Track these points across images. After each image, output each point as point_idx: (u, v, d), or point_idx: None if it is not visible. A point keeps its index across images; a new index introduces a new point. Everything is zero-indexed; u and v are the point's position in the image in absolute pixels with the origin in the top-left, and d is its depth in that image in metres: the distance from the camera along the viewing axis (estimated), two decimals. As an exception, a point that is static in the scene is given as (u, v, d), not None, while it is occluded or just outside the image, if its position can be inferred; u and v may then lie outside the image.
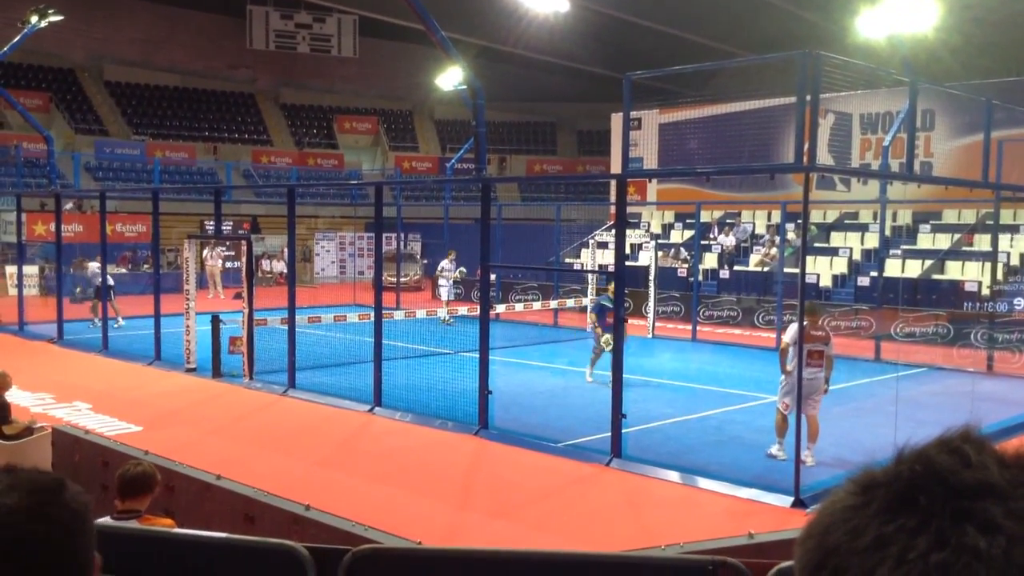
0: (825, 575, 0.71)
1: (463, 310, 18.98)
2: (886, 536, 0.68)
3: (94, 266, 20.89)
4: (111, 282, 19.46)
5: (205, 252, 27.02)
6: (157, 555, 3.72)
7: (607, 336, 12.85)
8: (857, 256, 23.97)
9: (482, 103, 13.06)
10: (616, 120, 30.33)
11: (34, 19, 21.13)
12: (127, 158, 36.48)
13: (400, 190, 32.25)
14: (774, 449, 10.03)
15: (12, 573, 1.16)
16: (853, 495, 0.74)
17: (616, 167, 28.26)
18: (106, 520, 4.83)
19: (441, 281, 22.17)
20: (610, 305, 12.91)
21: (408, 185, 38.47)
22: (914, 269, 22.33)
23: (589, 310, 13.76)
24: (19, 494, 1.20)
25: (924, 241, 23.99)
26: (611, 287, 13.65)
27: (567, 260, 26.90)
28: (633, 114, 11.64)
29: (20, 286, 20.94)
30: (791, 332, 9.76)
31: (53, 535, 1.19)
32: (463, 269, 22.06)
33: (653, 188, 30.46)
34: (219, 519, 5.90)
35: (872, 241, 23.63)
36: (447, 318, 19.52)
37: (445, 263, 22.44)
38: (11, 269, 25.39)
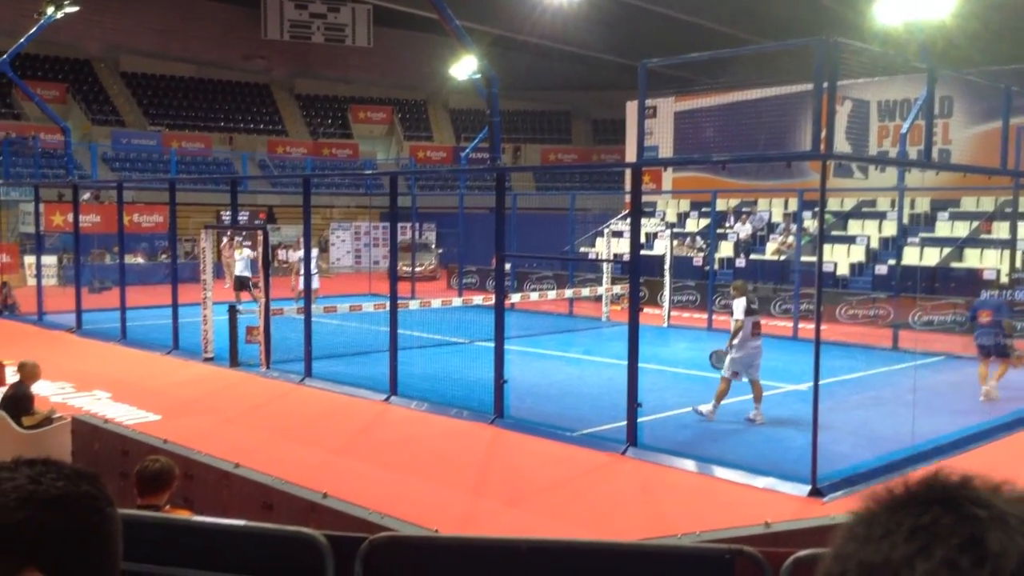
0: None
1: (478, 299, 19.00)
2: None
3: (248, 252, 21.57)
4: (247, 271, 21.04)
5: (224, 242, 27.16)
6: (178, 543, 3.76)
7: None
8: (875, 244, 23.83)
9: (496, 92, 13.04)
10: (631, 108, 30.23)
11: (50, 10, 21.22)
12: (144, 148, 36.67)
13: (415, 180, 32.26)
14: (705, 408, 11.03)
15: (107, 554, 1.20)
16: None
17: (631, 155, 28.15)
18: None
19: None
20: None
21: (423, 175, 38.48)
22: (932, 257, 22.18)
23: (982, 308, 12.49)
24: (88, 483, 1.22)
25: (942, 229, 23.81)
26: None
27: (582, 249, 26.87)
28: (648, 102, 11.59)
29: (39, 276, 21.11)
30: (740, 309, 11.02)
31: (115, 519, 1.23)
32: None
33: (668, 176, 30.36)
34: (237, 507, 5.94)
35: (890, 229, 23.48)
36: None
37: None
38: (30, 259, 25.59)
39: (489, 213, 14.00)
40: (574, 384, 13.68)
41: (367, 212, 37.70)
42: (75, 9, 21.19)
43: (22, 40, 21.16)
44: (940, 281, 20.86)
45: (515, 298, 20.20)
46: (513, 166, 35.46)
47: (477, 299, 19.25)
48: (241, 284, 21.55)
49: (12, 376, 10.61)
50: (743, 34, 30.74)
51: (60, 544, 1.17)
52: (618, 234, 23.95)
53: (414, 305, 18.27)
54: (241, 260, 21.69)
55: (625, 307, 16.17)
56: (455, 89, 40.19)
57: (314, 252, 22.90)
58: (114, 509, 1.24)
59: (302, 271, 22.01)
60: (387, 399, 12.38)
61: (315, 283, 21.68)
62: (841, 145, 13.31)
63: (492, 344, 11.56)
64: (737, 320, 11.06)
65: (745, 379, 11.15)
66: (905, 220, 21.81)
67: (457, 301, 20.05)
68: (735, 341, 11.03)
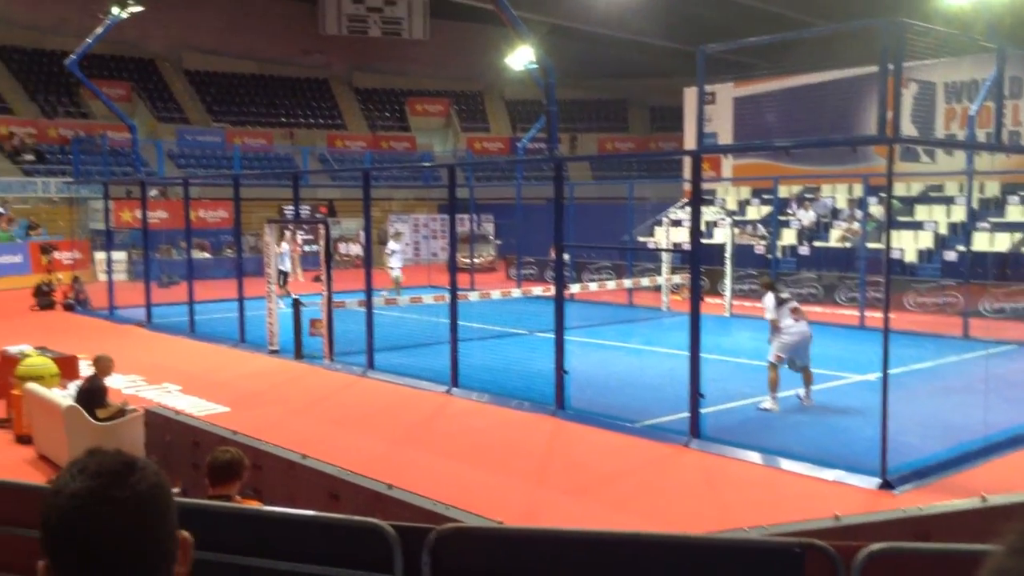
0: None
1: (537, 290, 19.00)
2: None
3: (285, 247, 22.25)
4: (287, 266, 21.79)
5: (287, 236, 27.61)
6: (250, 532, 3.84)
7: None
8: (943, 230, 23.23)
9: (553, 82, 13.01)
10: (690, 95, 29.87)
11: (115, 10, 21.74)
12: (207, 145, 37.37)
13: (472, 171, 32.33)
14: (767, 403, 10.95)
15: (83, 556, 1.22)
16: None
17: (690, 143, 27.85)
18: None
19: (392, 262, 22.25)
20: None
21: (480, 166, 38.56)
22: (1003, 243, 21.55)
23: None
24: (84, 478, 1.25)
25: (1013, 213, 23.11)
26: None
27: (640, 239, 26.68)
28: (707, 88, 11.44)
29: (109, 272, 21.68)
30: (770, 305, 11.07)
31: (118, 517, 1.23)
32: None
33: (728, 163, 29.96)
34: (305, 497, 6.05)
35: (959, 214, 22.87)
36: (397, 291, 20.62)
37: (392, 244, 22.75)
38: (100, 255, 26.29)
39: (547, 203, 13.97)
40: (635, 375, 13.60)
41: (425, 204, 37.94)
42: (139, 9, 21.67)
43: (89, 41, 21.69)
44: (1011, 267, 20.25)
45: (574, 288, 20.15)
46: (570, 156, 35.32)
47: (536, 290, 19.24)
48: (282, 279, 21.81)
49: (86, 370, 10.91)
50: (804, 16, 30.14)
51: (59, 543, 1.24)
52: (677, 223, 23.73)
53: (473, 297, 18.35)
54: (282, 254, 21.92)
55: (685, 297, 16.02)
56: (511, 80, 40.17)
57: (397, 245, 23.02)
58: (145, 502, 1.26)
59: (392, 264, 22.33)
60: (448, 391, 12.46)
61: (400, 275, 22.09)
62: (907, 128, 13.00)
63: (552, 335, 11.55)
64: (772, 319, 11.11)
65: (798, 366, 11.11)
66: (974, 205, 21.22)
67: (516, 292, 20.08)
68: (777, 332, 11.08)
